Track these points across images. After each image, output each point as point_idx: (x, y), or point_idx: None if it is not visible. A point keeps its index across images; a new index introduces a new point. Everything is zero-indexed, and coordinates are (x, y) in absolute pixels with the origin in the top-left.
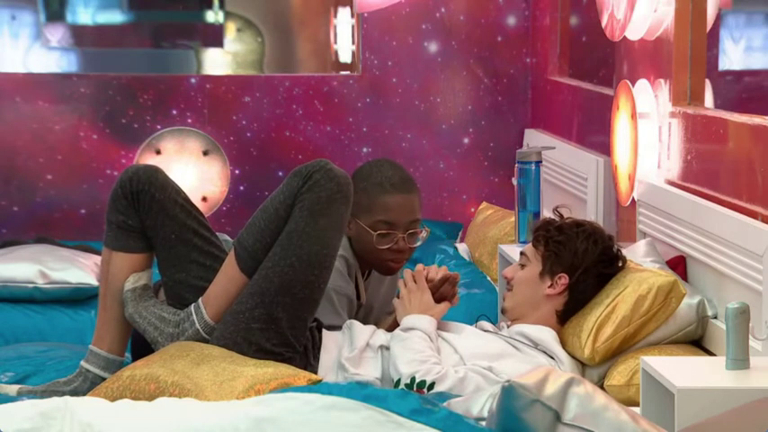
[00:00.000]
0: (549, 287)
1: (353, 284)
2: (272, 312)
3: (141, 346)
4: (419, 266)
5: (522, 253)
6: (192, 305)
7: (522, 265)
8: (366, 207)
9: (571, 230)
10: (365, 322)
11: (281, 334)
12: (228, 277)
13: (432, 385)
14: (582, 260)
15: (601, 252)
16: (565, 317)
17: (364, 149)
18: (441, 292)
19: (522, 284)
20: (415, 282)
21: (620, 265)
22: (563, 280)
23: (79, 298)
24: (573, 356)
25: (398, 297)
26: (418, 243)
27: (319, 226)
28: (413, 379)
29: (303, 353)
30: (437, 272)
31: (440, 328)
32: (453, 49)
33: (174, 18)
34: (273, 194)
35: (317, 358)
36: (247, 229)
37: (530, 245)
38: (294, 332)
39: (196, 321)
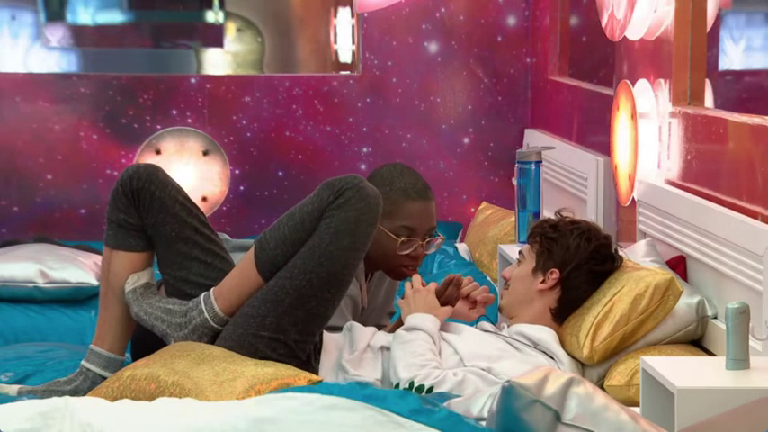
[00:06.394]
0: (540, 282)
1: (359, 287)
2: (282, 324)
3: (141, 346)
4: (464, 278)
5: (519, 252)
6: (202, 294)
7: (520, 263)
8: (388, 212)
9: (565, 228)
10: (364, 324)
11: (287, 345)
12: (244, 275)
13: (430, 389)
14: (573, 256)
15: (594, 249)
16: (560, 315)
17: (364, 149)
18: (446, 295)
19: (516, 281)
20: (422, 283)
21: (615, 263)
22: (554, 275)
23: (79, 297)
24: (572, 356)
25: (403, 298)
26: (432, 250)
27: (343, 246)
28: (411, 383)
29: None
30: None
31: (441, 328)
32: (453, 49)
33: (174, 18)
34: (302, 203)
35: (317, 360)
36: (271, 232)
37: (527, 244)
38: (301, 345)
39: (205, 310)
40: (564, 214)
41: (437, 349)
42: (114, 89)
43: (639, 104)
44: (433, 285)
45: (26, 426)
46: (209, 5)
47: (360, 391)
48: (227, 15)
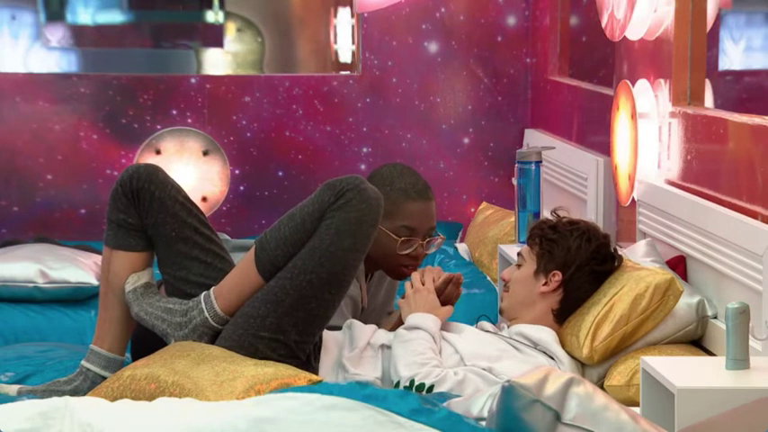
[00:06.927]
0: (543, 285)
1: (359, 287)
2: (282, 324)
3: (141, 346)
4: (428, 268)
5: (518, 254)
6: (203, 294)
7: (519, 266)
8: (389, 212)
9: (565, 229)
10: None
11: (287, 345)
12: (244, 275)
13: (431, 388)
14: (575, 257)
15: (594, 250)
16: (561, 316)
17: (364, 149)
18: (446, 294)
19: (517, 284)
20: (422, 282)
21: (615, 263)
22: (556, 277)
23: (79, 297)
24: (572, 356)
25: (403, 297)
26: (432, 250)
27: (344, 246)
28: (412, 382)
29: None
30: (439, 274)
31: (441, 328)
32: (453, 49)
33: (174, 18)
34: (303, 204)
35: (317, 359)
36: (271, 232)
37: (526, 245)
38: (301, 345)
39: (205, 310)
40: (560, 213)
41: (438, 348)
42: (114, 89)
43: (639, 104)
44: (432, 285)
45: (26, 426)
46: (209, 5)
47: (360, 391)
48: (227, 15)
